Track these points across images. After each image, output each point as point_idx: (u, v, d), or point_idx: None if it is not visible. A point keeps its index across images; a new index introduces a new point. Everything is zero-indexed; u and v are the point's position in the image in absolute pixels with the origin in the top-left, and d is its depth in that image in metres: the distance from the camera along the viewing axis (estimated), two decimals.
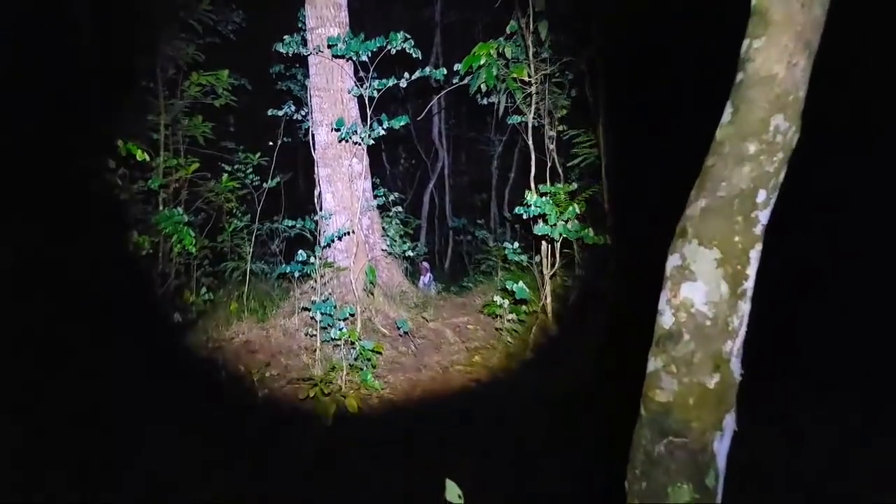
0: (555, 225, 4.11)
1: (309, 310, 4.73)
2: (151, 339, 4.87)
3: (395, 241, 5.99)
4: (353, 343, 4.46)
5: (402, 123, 4.78)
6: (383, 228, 6.06)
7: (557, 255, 4.59)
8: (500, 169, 8.79)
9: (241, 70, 6.42)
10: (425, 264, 7.21)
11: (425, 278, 7.06)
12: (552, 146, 5.00)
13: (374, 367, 4.50)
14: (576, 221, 4.18)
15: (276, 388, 4.44)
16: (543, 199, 4.16)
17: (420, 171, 9.90)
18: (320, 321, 4.57)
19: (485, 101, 5.25)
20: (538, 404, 4.09)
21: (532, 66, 4.72)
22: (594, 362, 4.46)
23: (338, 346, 4.57)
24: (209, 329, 5.26)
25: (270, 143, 6.19)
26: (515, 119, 5.03)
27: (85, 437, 3.38)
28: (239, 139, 6.51)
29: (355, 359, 4.46)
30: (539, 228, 4.14)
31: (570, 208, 4.11)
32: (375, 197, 5.95)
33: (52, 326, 3.96)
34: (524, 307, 4.63)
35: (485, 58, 4.49)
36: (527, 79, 4.60)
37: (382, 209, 6.13)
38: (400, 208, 6.16)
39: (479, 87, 4.67)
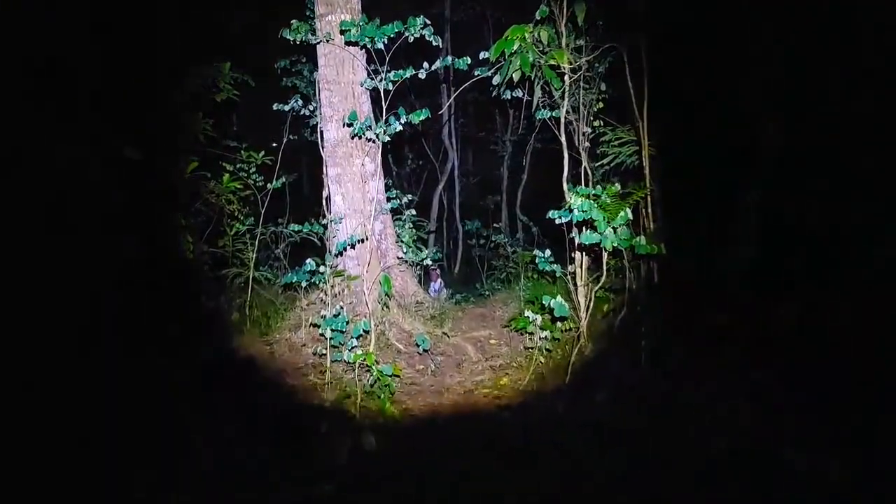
0: (603, 233, 3.23)
1: (318, 326, 3.85)
2: (148, 349, 4.00)
3: (410, 246, 5.10)
4: (368, 366, 3.59)
5: (422, 118, 3.91)
6: (397, 234, 5.16)
7: (605, 267, 3.72)
8: (512, 169, 7.87)
9: (245, 65, 5.52)
10: (436, 270, 6.35)
11: (435, 284, 6.21)
12: (587, 144, 4.12)
13: (391, 392, 3.63)
14: (624, 228, 3.30)
15: (282, 417, 3.56)
16: (588, 202, 3.28)
17: (427, 172, 8.94)
18: (331, 338, 3.70)
19: (509, 95, 4.35)
20: (579, 434, 3.25)
21: (569, 54, 3.83)
22: (640, 387, 3.62)
23: (351, 366, 3.70)
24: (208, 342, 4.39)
25: (274, 145, 5.29)
26: (545, 114, 4.15)
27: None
28: (241, 137, 5.57)
29: (371, 385, 3.59)
30: (586, 237, 3.26)
31: (622, 213, 3.24)
32: (388, 199, 5.05)
33: (34, 336, 3.14)
34: (559, 324, 3.77)
35: (519, 43, 3.59)
36: (567, 66, 3.71)
37: (395, 213, 5.22)
38: (413, 211, 5.27)
39: (511, 77, 3.77)
